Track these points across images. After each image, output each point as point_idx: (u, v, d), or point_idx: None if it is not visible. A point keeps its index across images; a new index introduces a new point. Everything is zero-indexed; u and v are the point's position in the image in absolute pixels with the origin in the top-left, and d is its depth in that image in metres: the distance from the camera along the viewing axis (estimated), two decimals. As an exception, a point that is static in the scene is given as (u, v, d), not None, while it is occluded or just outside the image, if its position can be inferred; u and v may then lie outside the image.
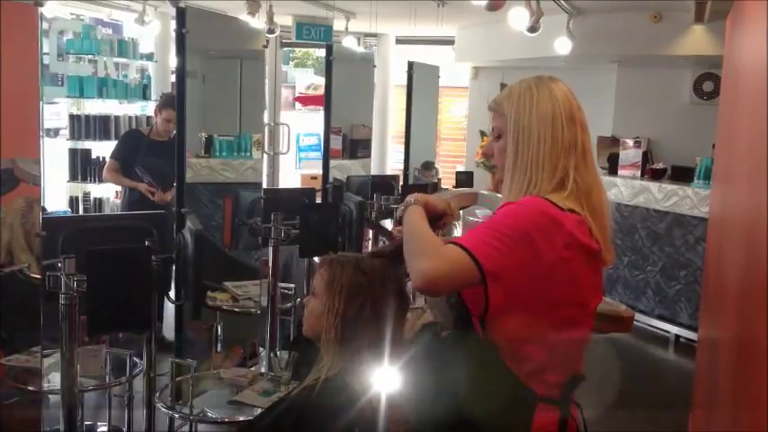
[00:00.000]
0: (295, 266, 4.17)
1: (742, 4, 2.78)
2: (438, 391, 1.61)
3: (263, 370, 3.34)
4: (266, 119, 6.87)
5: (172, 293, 3.17)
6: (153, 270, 2.52)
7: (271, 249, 3.30)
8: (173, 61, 6.09)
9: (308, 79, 17.49)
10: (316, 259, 3.51)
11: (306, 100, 16.14)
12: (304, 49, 16.58)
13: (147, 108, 6.90)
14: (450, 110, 10.99)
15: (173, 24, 4.40)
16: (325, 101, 4.85)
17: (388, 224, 4.86)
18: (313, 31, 7.76)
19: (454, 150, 10.48)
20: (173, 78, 6.20)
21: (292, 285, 3.69)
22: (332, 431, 1.63)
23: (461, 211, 2.26)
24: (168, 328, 3.74)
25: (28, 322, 2.54)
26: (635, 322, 3.84)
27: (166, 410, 2.75)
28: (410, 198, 1.66)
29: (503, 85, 6.08)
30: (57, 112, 7.38)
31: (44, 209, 3.73)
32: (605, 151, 6.63)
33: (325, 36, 7.73)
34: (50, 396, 2.83)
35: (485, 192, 2.19)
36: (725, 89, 3.55)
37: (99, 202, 6.57)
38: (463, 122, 10.02)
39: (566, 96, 1.58)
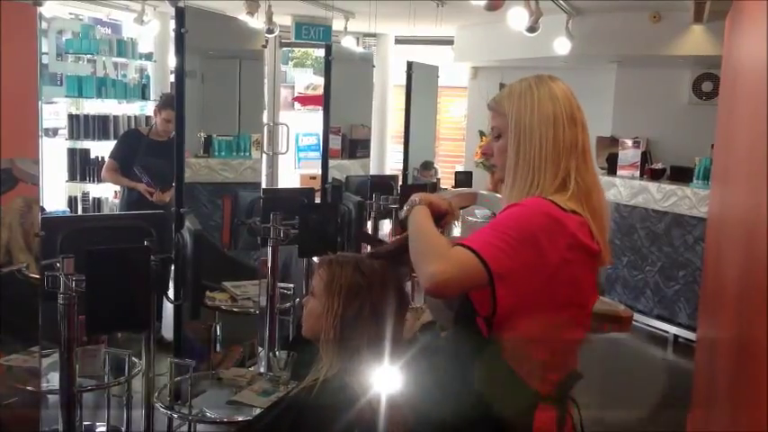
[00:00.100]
0: (294, 266, 4.16)
1: (741, 5, 2.78)
2: (438, 391, 1.61)
3: (261, 370, 3.33)
4: (265, 119, 6.86)
5: (171, 293, 3.16)
6: (152, 270, 2.51)
7: (270, 249, 3.30)
8: (172, 61, 6.08)
9: (307, 79, 17.45)
10: (315, 259, 3.50)
11: (305, 100, 16.10)
12: (303, 49, 16.56)
13: (146, 108, 6.89)
14: (450, 110, 10.99)
15: (172, 24, 4.39)
16: (325, 101, 4.84)
17: (386, 224, 4.87)
18: (312, 31, 7.76)
19: (453, 150, 10.49)
20: (172, 78, 6.21)
21: (291, 285, 3.68)
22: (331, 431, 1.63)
23: (461, 211, 2.27)
24: (167, 328, 3.73)
25: (27, 322, 2.53)
26: (634, 322, 3.85)
27: (165, 410, 2.75)
28: (415, 198, 1.66)
29: (502, 85, 6.07)
30: (55, 111, 7.36)
31: (43, 209, 3.73)
32: (604, 151, 6.63)
33: (325, 36, 7.72)
34: (49, 396, 2.82)
35: (484, 192, 2.20)
36: (724, 89, 3.55)
37: (98, 202, 6.56)
38: (462, 122, 10.02)
39: (566, 96, 1.57)
